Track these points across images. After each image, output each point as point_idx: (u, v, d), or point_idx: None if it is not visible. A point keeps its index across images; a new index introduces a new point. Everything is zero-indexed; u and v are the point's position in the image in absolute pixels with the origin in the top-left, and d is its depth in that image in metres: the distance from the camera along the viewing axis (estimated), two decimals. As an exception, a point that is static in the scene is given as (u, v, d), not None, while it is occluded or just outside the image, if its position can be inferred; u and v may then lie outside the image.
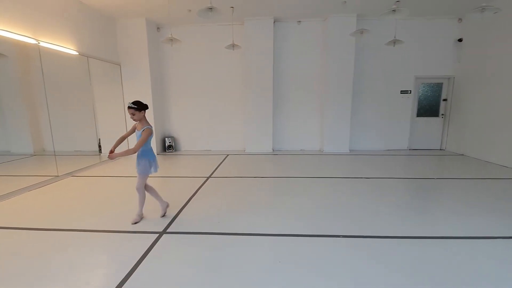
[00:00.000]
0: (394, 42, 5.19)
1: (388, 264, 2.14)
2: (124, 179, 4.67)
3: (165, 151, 7.26)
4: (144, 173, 2.89)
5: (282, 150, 7.21)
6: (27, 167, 4.88)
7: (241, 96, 7.06)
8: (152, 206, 3.33)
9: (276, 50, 6.76)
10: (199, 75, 7.12)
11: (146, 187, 3.04)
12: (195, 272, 2.07)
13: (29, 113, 4.93)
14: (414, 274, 2.01)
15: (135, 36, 6.38)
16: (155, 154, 3.06)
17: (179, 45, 6.04)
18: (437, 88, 7.04)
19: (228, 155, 6.72)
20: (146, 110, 2.89)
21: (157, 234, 2.67)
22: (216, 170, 5.18)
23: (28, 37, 4.14)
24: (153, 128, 6.85)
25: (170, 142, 7.20)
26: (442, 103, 7.07)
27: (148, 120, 2.94)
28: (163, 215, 3.11)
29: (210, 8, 3.95)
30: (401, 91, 6.92)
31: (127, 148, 2.77)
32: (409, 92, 6.90)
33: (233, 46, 5.53)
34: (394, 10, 3.74)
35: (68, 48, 4.93)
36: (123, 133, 3.04)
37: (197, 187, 4.15)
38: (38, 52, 4.40)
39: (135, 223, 2.91)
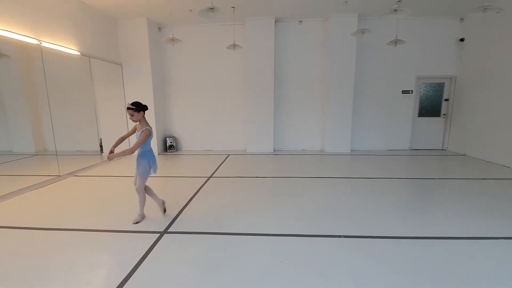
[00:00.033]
0: (396, 42, 5.18)
1: (389, 265, 2.13)
2: (126, 179, 4.68)
3: (166, 151, 7.27)
4: (144, 175, 2.89)
5: (283, 150, 7.21)
6: (29, 166, 4.91)
7: (242, 96, 7.07)
8: (153, 206, 3.33)
9: (277, 50, 6.76)
10: (200, 75, 7.12)
11: (147, 189, 3.05)
12: (196, 272, 2.08)
13: (31, 113, 4.95)
14: (414, 274, 2.01)
15: (136, 36, 6.39)
16: (155, 155, 3.06)
17: (180, 45, 6.04)
18: (438, 88, 7.02)
19: (229, 155, 6.73)
20: (146, 111, 2.90)
21: (158, 234, 2.67)
22: (217, 170, 5.19)
23: (30, 37, 4.16)
24: (154, 128, 6.90)
25: (171, 142, 7.21)
26: (444, 103, 7.05)
27: (148, 121, 2.95)
28: (164, 212, 3.14)
29: (211, 8, 3.96)
30: (403, 91, 6.90)
31: (127, 148, 2.78)
32: (411, 92, 6.88)
33: (234, 46, 5.53)
34: (395, 10, 3.73)
35: (70, 48, 4.95)
36: (125, 133, 3.05)
37: (198, 187, 4.16)
38: (40, 52, 4.42)
39: (137, 222, 2.92)
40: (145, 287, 1.91)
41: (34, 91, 4.85)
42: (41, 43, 4.36)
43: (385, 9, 3.97)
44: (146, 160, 2.88)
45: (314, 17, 6.51)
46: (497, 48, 5.54)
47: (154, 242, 2.51)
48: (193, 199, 3.67)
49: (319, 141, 7.22)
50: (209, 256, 2.29)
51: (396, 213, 3.12)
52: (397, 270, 2.06)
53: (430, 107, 7.12)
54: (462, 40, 6.50)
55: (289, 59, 6.88)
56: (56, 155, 4.77)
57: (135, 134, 2.93)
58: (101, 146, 6.05)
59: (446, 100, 7.01)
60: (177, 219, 3.03)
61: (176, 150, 7.36)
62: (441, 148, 7.21)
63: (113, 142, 2.94)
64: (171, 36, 4.99)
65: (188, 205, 3.44)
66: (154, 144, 6.79)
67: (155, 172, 3.00)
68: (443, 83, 6.96)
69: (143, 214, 3.02)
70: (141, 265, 2.16)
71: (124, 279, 1.99)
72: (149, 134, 2.83)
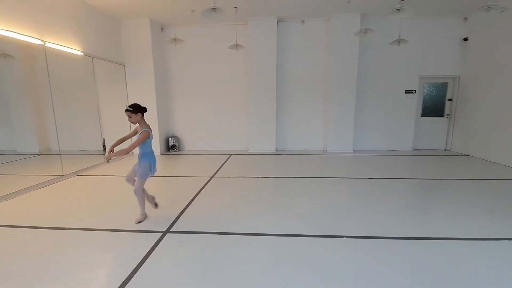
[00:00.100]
0: (399, 41, 5.15)
1: (391, 265, 2.12)
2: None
3: (168, 150, 7.29)
4: (144, 176, 2.90)
5: (285, 150, 7.20)
6: (33, 166, 4.94)
7: (244, 96, 7.07)
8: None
9: (279, 50, 6.76)
10: (202, 75, 7.14)
11: (133, 182, 3.01)
12: (198, 272, 2.08)
13: (35, 113, 4.99)
14: (415, 275, 2.00)
15: (139, 36, 6.42)
16: (157, 155, 3.07)
17: (183, 45, 6.06)
18: (442, 88, 6.98)
19: (231, 155, 6.74)
20: (147, 112, 2.91)
21: (161, 234, 2.68)
22: (219, 170, 5.19)
23: (34, 37, 4.19)
24: (157, 128, 6.93)
25: (173, 142, 7.23)
26: (447, 103, 7.01)
27: (150, 121, 2.97)
28: (156, 206, 3.25)
29: (213, 8, 3.96)
30: (406, 91, 6.87)
31: (123, 148, 2.79)
32: (414, 92, 6.85)
33: (236, 46, 5.54)
34: (398, 9, 3.71)
35: (73, 48, 4.98)
36: (127, 132, 3.07)
37: (201, 187, 4.17)
38: (44, 53, 4.45)
39: (139, 222, 2.93)
40: (147, 287, 1.92)
41: (37, 91, 4.89)
42: (44, 44, 4.39)
43: (388, 9, 3.95)
44: (147, 161, 2.89)
45: (317, 17, 6.50)
46: (500, 47, 5.50)
47: (156, 242, 2.52)
48: (195, 199, 3.68)
49: (321, 141, 7.21)
50: (211, 256, 2.29)
51: (398, 214, 3.11)
52: (398, 271, 2.05)
53: (434, 107, 7.08)
54: (465, 39, 6.46)
55: (291, 59, 6.87)
56: (60, 154, 4.80)
57: (136, 135, 2.94)
58: (104, 146, 6.08)
59: (450, 100, 6.97)
60: (179, 219, 3.04)
61: (178, 150, 7.38)
62: (444, 148, 7.17)
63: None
64: (174, 36, 5.00)
65: (190, 205, 3.45)
66: (157, 144, 6.81)
67: (153, 174, 3.01)
68: (447, 83, 6.92)
69: (145, 214, 3.04)
70: (143, 264, 2.17)
71: (126, 278, 2.00)
72: (147, 136, 2.83)
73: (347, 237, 2.57)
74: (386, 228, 2.75)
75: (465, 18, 6.43)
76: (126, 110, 2.78)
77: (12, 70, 4.60)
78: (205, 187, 4.19)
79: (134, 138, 2.92)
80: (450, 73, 6.72)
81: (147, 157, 2.91)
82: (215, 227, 2.82)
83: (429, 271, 2.05)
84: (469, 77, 6.46)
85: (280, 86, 6.95)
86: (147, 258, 2.26)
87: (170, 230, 2.77)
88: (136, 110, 2.80)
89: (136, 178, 2.92)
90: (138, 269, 2.10)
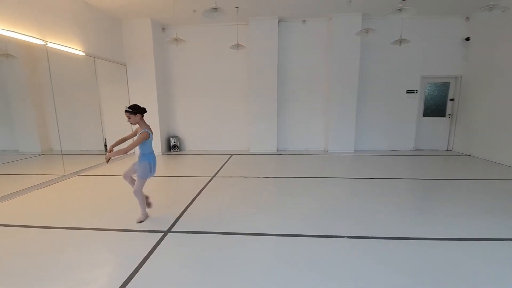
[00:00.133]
0: (400, 41, 5.14)
1: (392, 266, 2.12)
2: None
3: (170, 150, 7.30)
4: (143, 177, 2.90)
5: (286, 150, 7.20)
6: (35, 166, 4.96)
7: (245, 96, 7.07)
8: (155, 206, 3.35)
9: (280, 50, 6.76)
10: (203, 75, 7.14)
11: (132, 182, 3.02)
12: (199, 271, 2.09)
13: (37, 113, 5.01)
14: (417, 275, 2.00)
15: (140, 36, 6.43)
16: (156, 156, 3.06)
17: (184, 45, 6.06)
18: (444, 87, 6.96)
19: (232, 155, 6.74)
20: (148, 112, 2.90)
21: (162, 233, 2.69)
22: (221, 170, 5.20)
23: (37, 38, 4.21)
24: (158, 128, 6.94)
25: (174, 142, 7.24)
26: (449, 103, 6.99)
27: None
28: (149, 206, 3.18)
29: (214, 8, 3.96)
30: (407, 90, 6.85)
31: (121, 148, 2.79)
32: (415, 92, 6.83)
33: (237, 46, 5.54)
34: (400, 9, 3.70)
35: (75, 48, 5.00)
36: (129, 132, 3.07)
37: (202, 187, 4.17)
38: (46, 53, 4.47)
39: (140, 222, 2.93)
40: (149, 286, 1.92)
41: (40, 91, 4.91)
42: (47, 44, 4.41)
43: (389, 8, 3.94)
44: (147, 162, 2.90)
45: (318, 16, 6.49)
46: (503, 47, 5.48)
47: (157, 242, 2.52)
48: (196, 198, 3.68)
49: (323, 141, 7.20)
50: (212, 256, 2.29)
51: (399, 214, 3.10)
52: (399, 271, 2.05)
53: (435, 107, 7.06)
54: (467, 39, 6.43)
55: (292, 59, 6.87)
56: (62, 154, 4.81)
57: (136, 136, 2.94)
58: (105, 145, 6.09)
59: (452, 100, 6.95)
60: (180, 219, 3.04)
61: (180, 150, 7.39)
62: (446, 149, 7.14)
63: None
64: (175, 36, 5.01)
65: (191, 205, 3.45)
66: (158, 144, 6.82)
67: (152, 175, 3.00)
68: (449, 83, 6.90)
69: (146, 213, 3.04)
70: (144, 264, 2.17)
71: (127, 278, 2.00)
72: (146, 136, 2.83)
73: (347, 237, 2.57)
74: (387, 228, 2.74)
75: (467, 18, 6.41)
76: (126, 111, 2.79)
77: (14, 70, 4.62)
78: (206, 187, 4.19)
79: (135, 139, 2.93)
80: (452, 73, 6.70)
81: (147, 157, 2.91)
82: (216, 227, 2.82)
83: (429, 271, 2.04)
84: (471, 77, 6.44)
85: (281, 86, 6.95)
86: (148, 257, 2.26)
87: (171, 230, 2.78)
88: (135, 111, 2.81)
89: (134, 177, 2.92)
90: (139, 269, 2.11)
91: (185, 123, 7.46)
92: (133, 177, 3.04)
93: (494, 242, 2.47)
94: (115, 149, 2.80)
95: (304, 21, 6.65)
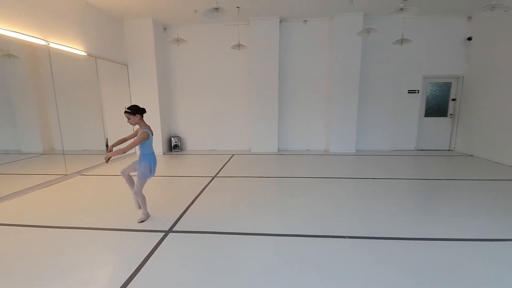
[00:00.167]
0: (402, 41, 5.13)
1: (393, 266, 2.11)
2: (135, 179, 4.72)
3: (171, 150, 7.31)
4: (143, 177, 2.91)
5: (287, 150, 7.20)
6: (37, 166, 4.97)
7: (246, 96, 7.07)
8: (156, 206, 3.36)
9: (282, 50, 6.75)
10: (205, 75, 7.15)
11: (128, 179, 3.02)
12: (200, 271, 2.09)
13: (39, 113, 5.02)
14: (419, 276, 1.99)
15: (142, 36, 6.44)
16: (157, 157, 3.06)
17: (185, 45, 6.08)
18: (445, 87, 6.94)
19: (233, 155, 6.74)
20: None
21: (163, 233, 2.69)
22: (222, 170, 5.20)
23: (38, 38, 4.23)
24: (159, 128, 6.94)
25: (176, 142, 7.25)
26: (451, 103, 6.96)
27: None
28: (139, 208, 3.06)
29: (216, 8, 3.97)
30: (409, 90, 6.83)
31: (120, 148, 2.79)
32: (417, 91, 6.81)
33: (238, 46, 5.54)
34: (401, 9, 3.70)
35: (76, 49, 5.01)
36: (130, 132, 3.08)
37: (203, 187, 4.17)
38: (48, 53, 4.49)
39: (142, 221, 2.94)
40: (150, 286, 1.93)
41: (41, 91, 4.92)
42: (48, 44, 4.43)
43: (391, 8, 3.93)
44: (148, 162, 2.90)
45: (319, 16, 6.49)
46: (505, 47, 5.46)
47: (159, 241, 2.53)
48: (198, 198, 3.68)
49: (324, 141, 7.19)
50: (213, 255, 2.30)
51: (401, 214, 3.09)
52: (401, 272, 2.04)
53: (437, 107, 7.04)
54: (469, 39, 6.41)
55: (293, 59, 6.86)
56: (63, 154, 4.83)
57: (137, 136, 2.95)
58: (107, 145, 6.11)
59: (453, 99, 6.93)
60: (181, 218, 3.04)
61: (181, 150, 7.40)
62: (448, 149, 7.12)
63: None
64: (176, 36, 5.02)
65: (193, 205, 3.46)
66: (159, 144, 6.83)
67: (152, 176, 3.00)
68: (450, 83, 6.88)
69: (148, 213, 3.05)
70: (146, 263, 2.18)
71: (129, 277, 2.01)
72: (146, 137, 2.83)
73: (349, 237, 2.57)
74: (389, 229, 2.74)
75: (469, 18, 6.38)
76: (125, 112, 2.79)
77: (16, 70, 4.63)
78: (207, 187, 4.19)
79: (135, 139, 2.94)
80: (454, 72, 6.68)
81: (147, 158, 2.91)
82: (217, 227, 2.82)
83: (430, 271, 2.04)
84: (473, 77, 6.42)
85: (282, 86, 6.94)
86: (149, 257, 2.27)
87: (173, 229, 2.78)
88: (135, 111, 2.81)
89: (133, 176, 2.92)
90: (140, 268, 2.11)
91: (186, 123, 7.46)
92: (131, 175, 3.03)
93: (495, 242, 2.46)
94: (114, 149, 2.80)
95: (306, 21, 6.64)
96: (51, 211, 3.32)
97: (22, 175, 4.52)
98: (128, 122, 2.84)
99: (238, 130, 7.36)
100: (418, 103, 6.88)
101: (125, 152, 2.73)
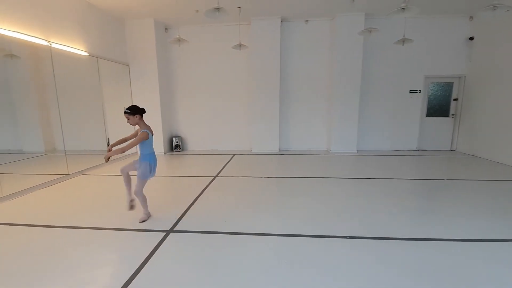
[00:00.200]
0: (403, 41, 5.12)
1: (395, 266, 2.11)
2: (133, 178, 4.72)
3: (172, 150, 7.32)
4: (144, 177, 2.91)
5: (288, 150, 7.19)
6: (39, 165, 4.99)
7: (247, 96, 7.07)
8: (158, 205, 3.37)
9: (283, 50, 6.75)
10: (206, 75, 7.16)
11: (127, 178, 3.00)
12: (201, 271, 2.09)
13: (41, 113, 5.03)
14: (420, 276, 1.99)
15: (143, 36, 6.46)
16: (157, 157, 3.07)
17: (187, 45, 6.08)
18: (447, 87, 6.92)
19: (234, 154, 6.74)
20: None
21: (164, 233, 2.70)
22: (223, 170, 5.20)
23: (40, 38, 4.25)
24: (160, 128, 6.94)
25: (177, 142, 7.26)
26: (453, 103, 6.94)
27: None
28: (130, 209, 3.03)
29: (217, 9, 3.97)
30: (410, 90, 6.82)
31: (118, 148, 2.80)
32: (418, 91, 6.80)
33: (240, 46, 5.54)
34: (403, 9, 3.68)
35: (78, 49, 5.03)
36: (131, 132, 3.08)
37: (204, 187, 4.18)
38: (50, 53, 4.50)
39: (143, 221, 2.95)
40: (151, 286, 1.93)
41: (43, 91, 4.93)
42: (50, 44, 4.45)
43: (392, 8, 3.92)
44: (148, 162, 2.90)
45: (320, 16, 6.48)
46: (507, 46, 5.43)
47: (160, 241, 2.53)
48: (199, 198, 3.69)
49: (325, 141, 7.19)
50: (214, 255, 2.30)
51: (402, 215, 3.09)
52: (401, 272, 2.04)
53: (439, 106, 7.01)
54: (471, 38, 6.39)
55: (295, 58, 6.86)
56: (65, 154, 4.85)
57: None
58: (108, 145, 6.11)
59: (455, 99, 6.90)
60: (182, 218, 3.05)
61: (182, 150, 7.41)
62: (449, 149, 7.10)
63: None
64: (178, 36, 5.03)
65: (194, 205, 3.46)
66: (160, 144, 6.84)
67: (152, 176, 3.00)
68: (452, 83, 6.86)
69: (149, 213, 3.05)
70: (147, 263, 2.18)
71: (130, 277, 2.01)
72: (146, 137, 2.83)
73: (350, 237, 2.56)
74: (390, 229, 2.73)
75: (471, 17, 6.36)
76: (124, 112, 2.80)
77: (18, 70, 4.65)
78: (209, 186, 4.20)
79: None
80: (456, 72, 6.66)
81: (148, 158, 2.91)
82: (218, 227, 2.83)
83: (430, 271, 2.03)
84: (474, 77, 6.40)
85: (283, 86, 6.94)
86: (150, 257, 2.27)
87: (174, 229, 2.79)
88: (134, 111, 2.82)
89: (132, 174, 2.92)
90: (141, 268, 2.12)
91: (188, 123, 7.47)
92: (130, 174, 3.02)
93: (495, 243, 2.45)
94: (113, 149, 2.81)
95: (307, 21, 6.64)
96: (53, 210, 3.34)
97: (24, 174, 4.53)
98: (128, 122, 2.84)
99: (239, 130, 7.36)
100: (419, 103, 6.86)
101: (123, 152, 2.74)
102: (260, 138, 7.02)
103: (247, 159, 6.21)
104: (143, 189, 2.97)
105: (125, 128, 6.17)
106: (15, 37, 3.86)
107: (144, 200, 3.00)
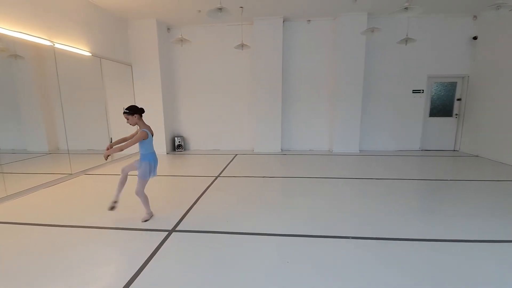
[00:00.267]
0: (406, 40, 5.09)
1: (397, 267, 2.10)
2: (134, 178, 4.74)
3: (174, 150, 7.34)
4: (144, 177, 2.93)
5: (290, 150, 7.19)
6: (42, 165, 5.02)
7: (250, 96, 7.08)
8: (160, 205, 3.38)
9: (285, 50, 6.74)
10: (208, 75, 7.17)
11: (123, 179, 3.01)
12: (203, 270, 2.09)
13: (44, 113, 5.07)
14: (421, 277, 1.98)
15: (146, 37, 6.48)
16: (158, 157, 3.08)
17: (189, 45, 6.09)
18: (451, 87, 6.87)
19: (236, 154, 6.75)
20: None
21: (167, 232, 2.70)
22: (225, 170, 5.21)
23: (44, 39, 4.28)
24: (162, 128, 6.96)
25: (179, 142, 7.28)
26: (456, 103, 6.90)
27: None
28: (111, 209, 2.98)
29: (219, 9, 3.97)
30: (413, 90, 6.78)
31: (117, 146, 2.83)
32: (422, 91, 6.76)
33: (242, 46, 5.54)
34: (406, 8, 3.67)
35: (81, 49, 5.06)
36: (133, 131, 3.09)
37: (206, 186, 4.18)
38: (53, 54, 4.54)
39: (145, 221, 2.96)
40: (154, 285, 1.94)
41: (47, 91, 4.97)
42: (54, 45, 4.47)
43: (395, 7, 3.91)
44: (148, 162, 2.91)
45: (323, 16, 6.46)
46: (511, 46, 5.39)
47: (162, 240, 2.54)
48: (201, 198, 3.70)
49: (327, 141, 7.17)
50: (216, 255, 2.30)
51: (404, 215, 3.07)
52: (404, 273, 2.03)
53: (442, 106, 6.97)
54: (475, 38, 6.34)
55: (297, 58, 6.85)
56: (68, 153, 4.88)
57: None
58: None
59: (459, 99, 6.86)
60: (185, 218, 3.06)
61: (184, 150, 7.43)
62: (453, 149, 7.06)
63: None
64: (180, 36, 5.04)
65: (196, 204, 3.47)
66: (163, 144, 6.86)
67: (153, 176, 3.01)
68: (455, 82, 6.81)
69: (151, 212, 3.06)
70: (149, 263, 2.19)
71: (132, 276, 2.02)
72: (144, 136, 2.85)
73: (352, 237, 2.56)
74: (392, 229, 2.72)
75: (475, 17, 6.31)
76: (124, 113, 2.81)
77: (22, 70, 4.68)
78: (211, 186, 4.20)
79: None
80: (459, 72, 6.62)
81: (148, 157, 2.93)
82: (220, 227, 2.83)
83: (431, 271, 2.02)
84: (478, 77, 6.35)
85: (286, 86, 6.93)
86: (153, 256, 2.28)
87: (176, 229, 2.79)
88: (133, 111, 2.83)
89: (133, 174, 2.93)
90: (144, 268, 2.12)
91: (190, 123, 7.49)
92: (130, 174, 3.02)
93: (497, 243, 2.43)
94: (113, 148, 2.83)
95: (309, 20, 6.63)
96: (56, 210, 3.36)
97: (28, 174, 4.56)
98: (127, 122, 2.85)
99: (241, 130, 7.37)
100: (422, 103, 6.82)
101: (122, 150, 2.79)
102: (262, 138, 7.02)
103: (249, 159, 6.21)
104: (144, 189, 2.98)
105: (128, 128, 6.19)
106: (19, 38, 3.89)
107: (145, 200, 3.01)
